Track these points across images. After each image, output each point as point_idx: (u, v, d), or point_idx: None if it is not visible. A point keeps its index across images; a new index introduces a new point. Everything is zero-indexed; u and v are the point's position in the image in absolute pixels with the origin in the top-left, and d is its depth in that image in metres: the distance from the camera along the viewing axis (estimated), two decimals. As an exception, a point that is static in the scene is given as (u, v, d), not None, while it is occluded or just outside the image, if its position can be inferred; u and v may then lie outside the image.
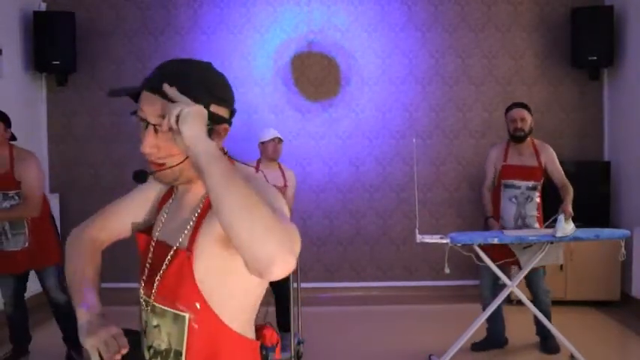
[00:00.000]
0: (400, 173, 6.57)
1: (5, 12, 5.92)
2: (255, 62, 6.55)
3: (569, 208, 4.44)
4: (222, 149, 1.50)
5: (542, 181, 4.68)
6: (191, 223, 1.46)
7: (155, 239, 1.55)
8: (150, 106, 1.40)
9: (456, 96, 6.56)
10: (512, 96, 6.50)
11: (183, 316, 1.43)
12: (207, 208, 1.45)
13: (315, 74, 6.56)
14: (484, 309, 4.63)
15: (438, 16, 6.54)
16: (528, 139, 4.68)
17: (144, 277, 1.54)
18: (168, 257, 1.46)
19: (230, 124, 1.49)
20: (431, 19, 6.54)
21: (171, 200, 1.60)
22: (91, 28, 6.52)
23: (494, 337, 4.80)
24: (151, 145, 1.41)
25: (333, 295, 6.56)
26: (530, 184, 4.63)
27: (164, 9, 6.56)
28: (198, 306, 1.42)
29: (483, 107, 6.56)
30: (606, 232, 4.52)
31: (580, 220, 4.93)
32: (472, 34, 6.54)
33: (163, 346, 1.49)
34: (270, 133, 4.82)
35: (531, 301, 4.61)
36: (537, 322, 4.74)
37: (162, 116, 1.37)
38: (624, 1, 6.10)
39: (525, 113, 4.63)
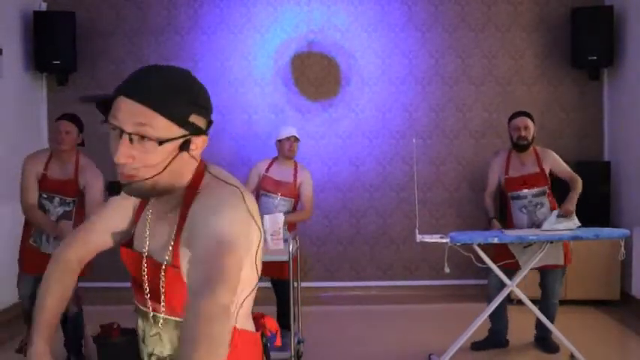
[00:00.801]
0: (400, 173, 6.57)
1: (5, 12, 5.92)
2: (255, 62, 6.56)
3: (568, 206, 4.44)
4: (201, 162, 1.48)
5: (548, 184, 4.65)
6: (173, 238, 1.44)
7: (145, 255, 1.51)
8: (126, 114, 1.33)
9: (456, 96, 6.56)
10: (512, 96, 6.52)
11: None
12: (182, 221, 1.43)
13: (315, 74, 6.56)
14: (493, 310, 4.63)
15: (438, 16, 6.54)
16: (531, 148, 4.68)
17: (147, 294, 1.51)
18: (162, 276, 1.44)
19: (207, 134, 1.45)
20: (431, 19, 6.54)
21: (149, 209, 1.55)
22: (92, 28, 6.53)
23: (496, 336, 4.80)
24: (127, 156, 1.34)
25: (333, 294, 6.57)
26: (535, 190, 4.62)
27: (164, 9, 6.56)
28: None
29: (483, 107, 6.56)
30: (606, 231, 4.52)
31: (580, 220, 4.91)
32: (472, 34, 6.54)
33: (166, 353, 1.49)
34: (286, 132, 4.82)
35: (540, 299, 4.66)
36: (539, 322, 4.75)
37: (140, 124, 1.32)
38: (624, 1, 6.10)
39: (529, 122, 4.62)
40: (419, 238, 4.28)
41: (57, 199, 4.27)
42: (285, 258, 4.11)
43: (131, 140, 1.33)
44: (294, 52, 6.55)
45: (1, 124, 5.70)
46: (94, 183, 4.27)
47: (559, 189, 4.76)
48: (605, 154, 6.50)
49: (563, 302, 5.76)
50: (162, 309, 1.47)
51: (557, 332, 4.46)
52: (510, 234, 4.32)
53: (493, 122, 6.54)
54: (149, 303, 1.51)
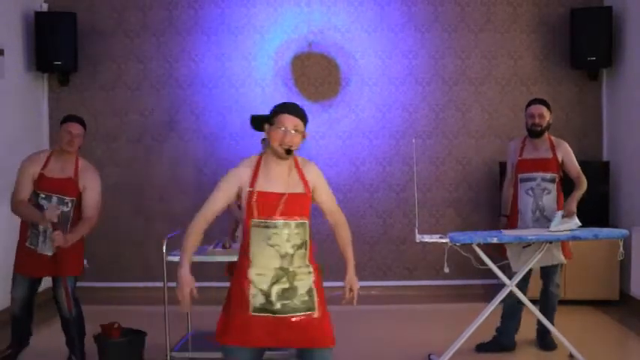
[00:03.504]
0: (400, 173, 6.59)
1: (7, 12, 5.94)
2: (255, 62, 6.57)
3: (571, 207, 4.47)
4: None
5: (559, 173, 4.70)
6: None
7: None
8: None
9: (456, 96, 6.58)
10: (512, 96, 6.53)
11: None
12: None
13: (315, 75, 6.58)
14: (504, 308, 4.67)
15: (437, 16, 6.56)
16: (545, 134, 4.73)
17: None
18: None
19: None
20: (431, 19, 6.56)
21: None
22: (93, 29, 6.54)
23: (503, 337, 4.73)
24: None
25: (332, 294, 6.57)
26: (547, 175, 4.66)
27: (165, 9, 6.58)
28: None
29: (483, 107, 6.58)
30: (605, 231, 4.53)
31: (579, 220, 4.91)
32: (472, 34, 6.56)
33: None
34: None
35: (541, 292, 4.73)
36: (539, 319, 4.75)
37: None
38: (623, 1, 6.12)
39: (544, 110, 4.68)
40: (418, 238, 4.29)
41: (55, 199, 4.28)
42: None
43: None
44: (295, 53, 6.57)
45: (1, 124, 5.72)
46: (93, 185, 4.33)
47: (565, 187, 4.78)
48: (604, 154, 6.52)
49: (562, 302, 5.77)
50: None
51: (555, 331, 4.46)
52: (509, 234, 4.33)
53: (493, 122, 6.55)
54: None
